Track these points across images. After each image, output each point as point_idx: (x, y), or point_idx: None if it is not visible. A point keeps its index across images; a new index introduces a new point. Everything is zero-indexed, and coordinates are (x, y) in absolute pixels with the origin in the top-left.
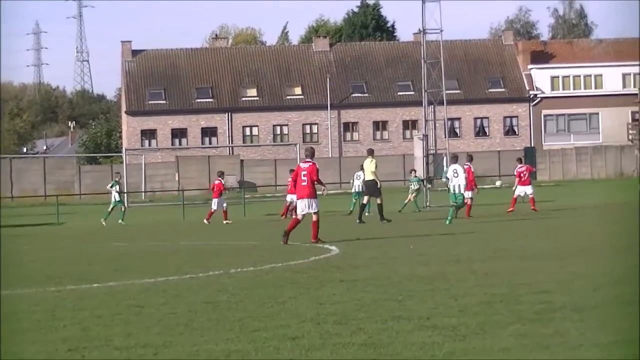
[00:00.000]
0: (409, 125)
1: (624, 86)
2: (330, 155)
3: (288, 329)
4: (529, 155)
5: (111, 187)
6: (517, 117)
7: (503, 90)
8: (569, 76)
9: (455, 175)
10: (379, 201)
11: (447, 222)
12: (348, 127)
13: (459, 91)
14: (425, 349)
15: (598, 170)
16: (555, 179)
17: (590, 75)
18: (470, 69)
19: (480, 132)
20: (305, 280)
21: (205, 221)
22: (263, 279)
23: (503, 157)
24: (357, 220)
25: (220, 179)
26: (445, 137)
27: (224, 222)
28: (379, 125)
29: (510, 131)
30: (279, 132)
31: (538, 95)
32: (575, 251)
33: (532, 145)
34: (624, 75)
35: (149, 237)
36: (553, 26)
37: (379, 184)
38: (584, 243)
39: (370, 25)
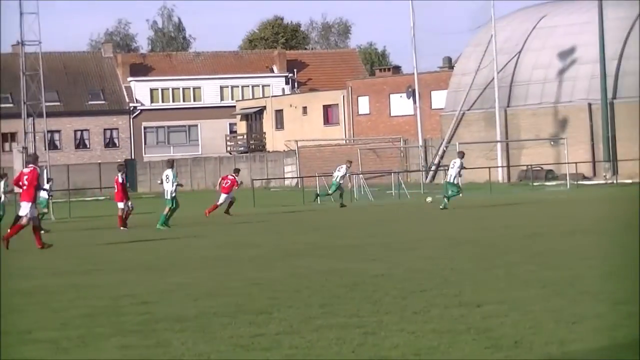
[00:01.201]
0: (9, 137)
1: (222, 99)
2: None
3: None
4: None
5: None
6: (117, 129)
7: (103, 102)
8: (169, 88)
9: (167, 180)
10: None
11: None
12: None
13: (59, 103)
14: None
15: (198, 181)
16: (155, 190)
17: (189, 88)
18: (70, 81)
19: (81, 144)
20: None
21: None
22: None
23: (104, 169)
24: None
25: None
26: (46, 149)
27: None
28: None
29: (110, 143)
30: None
31: (138, 108)
32: (175, 263)
33: (133, 157)
34: (222, 88)
35: None
36: (152, 39)
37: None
38: (183, 255)
39: None
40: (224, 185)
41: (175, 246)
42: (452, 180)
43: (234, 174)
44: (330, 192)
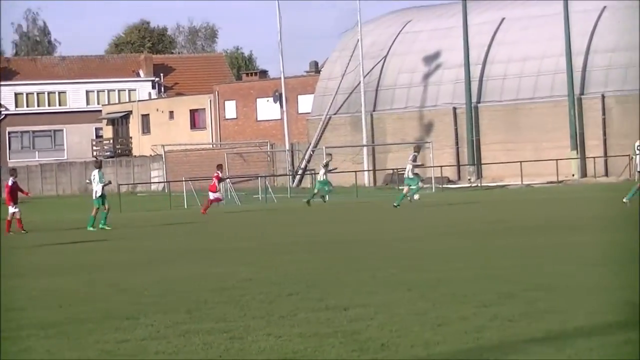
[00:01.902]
0: None
1: (88, 103)
2: None
3: None
4: None
5: None
6: None
7: None
8: (34, 93)
9: (94, 180)
10: None
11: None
12: None
13: None
14: None
15: (63, 186)
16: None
17: (55, 92)
18: None
19: None
20: None
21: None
22: None
23: None
24: None
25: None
26: None
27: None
28: None
29: None
30: None
31: (3, 112)
32: (43, 269)
33: None
34: (88, 92)
35: None
36: (17, 43)
37: None
38: (52, 261)
39: None
40: (211, 183)
41: (46, 252)
42: (409, 175)
43: (217, 170)
44: (320, 190)
